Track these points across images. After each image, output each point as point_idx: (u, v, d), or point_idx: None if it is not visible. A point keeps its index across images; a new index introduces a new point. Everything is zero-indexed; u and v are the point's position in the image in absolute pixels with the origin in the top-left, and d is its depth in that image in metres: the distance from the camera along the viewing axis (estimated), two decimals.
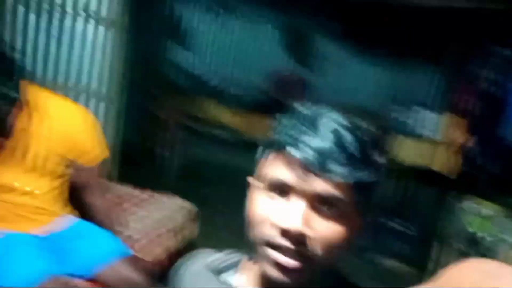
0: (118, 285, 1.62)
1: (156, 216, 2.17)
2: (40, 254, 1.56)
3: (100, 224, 1.76)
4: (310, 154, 0.60)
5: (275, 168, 0.63)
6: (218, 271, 0.76)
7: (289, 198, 0.62)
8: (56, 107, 1.60)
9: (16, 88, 1.34)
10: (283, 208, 0.62)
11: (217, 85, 5.01)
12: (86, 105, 2.89)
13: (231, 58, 5.27)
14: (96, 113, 2.90)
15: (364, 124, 0.67)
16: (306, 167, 0.60)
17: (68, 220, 1.73)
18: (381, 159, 0.68)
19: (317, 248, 0.61)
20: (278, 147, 0.63)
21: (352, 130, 0.63)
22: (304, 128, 0.62)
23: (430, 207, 4.16)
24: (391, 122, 4.34)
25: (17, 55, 1.40)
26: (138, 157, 3.97)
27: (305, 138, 0.61)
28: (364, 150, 0.63)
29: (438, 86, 4.99)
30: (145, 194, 2.39)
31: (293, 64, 5.28)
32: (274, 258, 0.62)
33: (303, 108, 0.66)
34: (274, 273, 0.63)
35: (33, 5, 2.76)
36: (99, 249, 1.67)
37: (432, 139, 4.03)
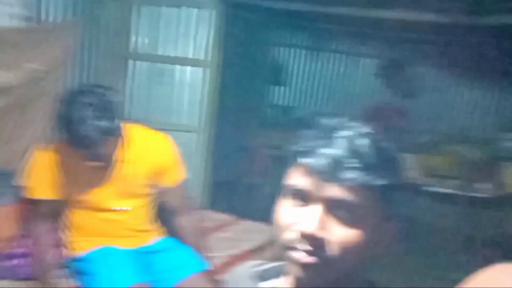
0: None
1: (237, 237, 2.30)
2: (128, 265, 1.76)
3: (184, 240, 1.93)
4: (323, 162, 0.64)
5: (295, 178, 0.69)
6: (259, 278, 0.80)
7: (308, 204, 0.67)
8: (141, 136, 1.85)
9: (114, 124, 1.59)
10: (302, 214, 0.67)
11: (311, 118, 5.07)
12: (182, 138, 3.21)
13: (325, 92, 5.35)
14: (191, 146, 3.21)
15: (379, 133, 0.69)
16: (321, 175, 0.65)
17: (154, 236, 1.93)
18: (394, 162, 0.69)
19: (333, 250, 0.64)
20: (297, 158, 0.69)
21: (368, 136, 0.66)
22: (321, 138, 0.67)
23: None
24: (500, 149, 3.99)
25: (116, 96, 1.67)
26: (230, 185, 4.18)
27: (321, 147, 0.66)
28: (379, 154, 0.66)
29: None
30: (230, 218, 2.53)
31: (392, 94, 5.16)
32: (293, 258, 0.67)
33: (325, 121, 0.71)
34: (294, 271, 0.67)
35: (135, 52, 3.21)
36: (180, 263, 1.83)
37: None
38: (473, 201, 3.94)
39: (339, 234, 0.65)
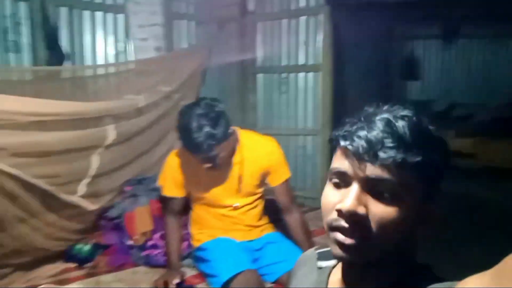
0: None
1: None
2: (241, 253, 1.96)
3: (291, 235, 2.06)
4: (360, 144, 0.68)
5: (336, 161, 0.74)
6: (319, 259, 0.88)
7: (348, 185, 0.72)
8: (251, 140, 2.05)
9: (223, 131, 1.82)
10: (342, 194, 0.72)
11: (446, 111, 4.68)
12: (304, 141, 3.36)
13: (465, 82, 4.88)
14: (310, 148, 3.32)
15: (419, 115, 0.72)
16: (358, 156, 0.68)
17: (263, 231, 2.11)
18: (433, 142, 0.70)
19: (372, 227, 0.67)
20: (338, 142, 0.74)
21: (404, 117, 0.68)
22: (360, 123, 0.70)
23: None
24: None
25: (222, 106, 1.90)
26: None
27: (358, 131, 0.69)
28: (417, 134, 0.67)
29: None
30: None
31: None
32: (334, 237, 0.71)
33: (368, 108, 0.75)
34: (336, 251, 0.71)
35: (261, 66, 3.46)
36: (283, 257, 1.97)
37: None
38: None
39: (378, 212, 0.67)
